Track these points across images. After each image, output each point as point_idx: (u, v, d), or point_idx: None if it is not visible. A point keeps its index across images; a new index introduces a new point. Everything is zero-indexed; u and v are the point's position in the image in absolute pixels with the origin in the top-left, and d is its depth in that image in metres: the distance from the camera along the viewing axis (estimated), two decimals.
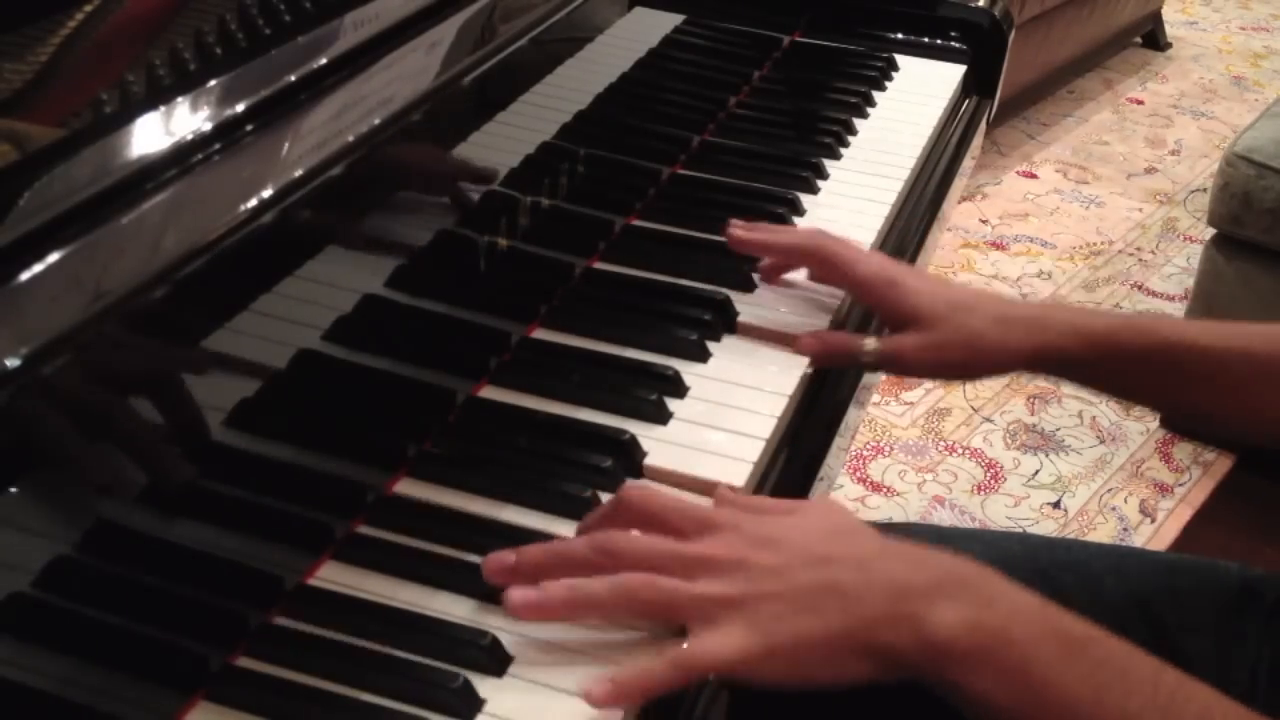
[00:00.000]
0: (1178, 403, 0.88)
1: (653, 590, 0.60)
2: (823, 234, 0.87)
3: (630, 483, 0.72)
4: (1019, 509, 1.88)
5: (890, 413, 2.06)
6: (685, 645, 0.59)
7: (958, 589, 0.59)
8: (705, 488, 0.72)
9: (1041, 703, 0.57)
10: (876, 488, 1.90)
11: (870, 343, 0.83)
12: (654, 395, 0.78)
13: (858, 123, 1.13)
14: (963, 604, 0.58)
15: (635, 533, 0.63)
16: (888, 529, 0.73)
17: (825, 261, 0.86)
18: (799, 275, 0.91)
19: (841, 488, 1.88)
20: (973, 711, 0.58)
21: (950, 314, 0.80)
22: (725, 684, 0.62)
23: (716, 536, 0.62)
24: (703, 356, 0.83)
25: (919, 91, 1.19)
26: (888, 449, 1.98)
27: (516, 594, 0.60)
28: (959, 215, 2.61)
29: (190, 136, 0.57)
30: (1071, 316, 0.81)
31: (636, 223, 0.97)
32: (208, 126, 0.58)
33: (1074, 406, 2.11)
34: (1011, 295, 2.35)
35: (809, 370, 0.84)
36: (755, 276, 0.91)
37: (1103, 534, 1.85)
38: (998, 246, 2.55)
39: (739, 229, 0.89)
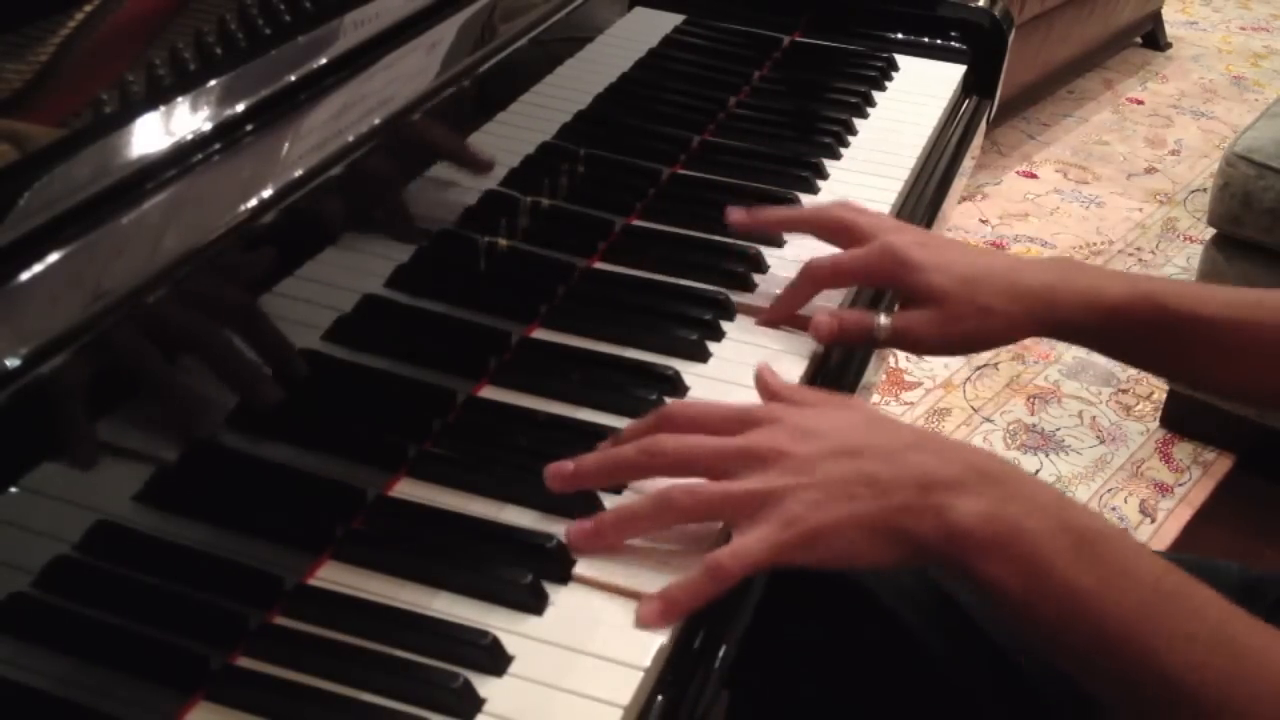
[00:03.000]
0: (1186, 372, 0.90)
1: (691, 497, 0.64)
2: (841, 207, 0.88)
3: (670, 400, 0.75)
4: None
5: (890, 413, 2.06)
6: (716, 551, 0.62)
7: (980, 482, 0.62)
8: None
9: (1047, 590, 0.60)
10: None
11: (883, 319, 0.83)
12: (654, 395, 0.78)
13: (858, 123, 1.13)
14: (983, 497, 0.61)
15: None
16: None
17: (838, 235, 0.87)
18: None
19: None
20: (987, 597, 0.62)
21: (960, 289, 0.81)
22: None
23: (757, 430, 0.65)
24: (703, 356, 0.83)
25: (919, 91, 1.19)
26: None
27: (574, 531, 0.65)
28: (959, 215, 2.61)
29: (190, 136, 0.57)
30: (1083, 284, 0.81)
31: (636, 223, 0.97)
32: (208, 126, 0.58)
33: (1074, 406, 2.11)
34: None
35: (809, 366, 0.84)
36: (754, 277, 0.91)
37: None
38: (998, 247, 2.55)
39: (738, 212, 0.90)
